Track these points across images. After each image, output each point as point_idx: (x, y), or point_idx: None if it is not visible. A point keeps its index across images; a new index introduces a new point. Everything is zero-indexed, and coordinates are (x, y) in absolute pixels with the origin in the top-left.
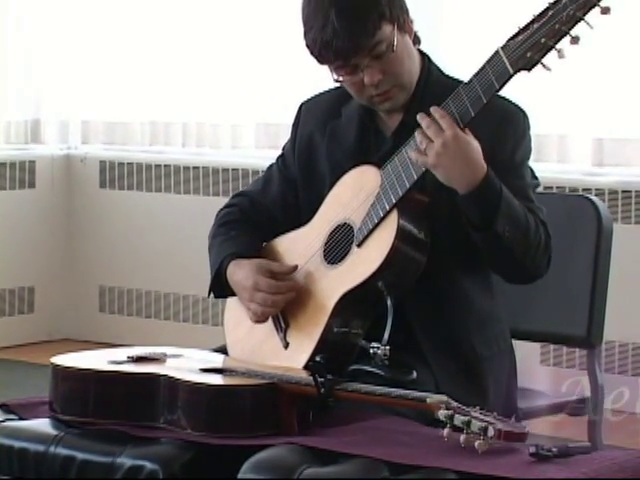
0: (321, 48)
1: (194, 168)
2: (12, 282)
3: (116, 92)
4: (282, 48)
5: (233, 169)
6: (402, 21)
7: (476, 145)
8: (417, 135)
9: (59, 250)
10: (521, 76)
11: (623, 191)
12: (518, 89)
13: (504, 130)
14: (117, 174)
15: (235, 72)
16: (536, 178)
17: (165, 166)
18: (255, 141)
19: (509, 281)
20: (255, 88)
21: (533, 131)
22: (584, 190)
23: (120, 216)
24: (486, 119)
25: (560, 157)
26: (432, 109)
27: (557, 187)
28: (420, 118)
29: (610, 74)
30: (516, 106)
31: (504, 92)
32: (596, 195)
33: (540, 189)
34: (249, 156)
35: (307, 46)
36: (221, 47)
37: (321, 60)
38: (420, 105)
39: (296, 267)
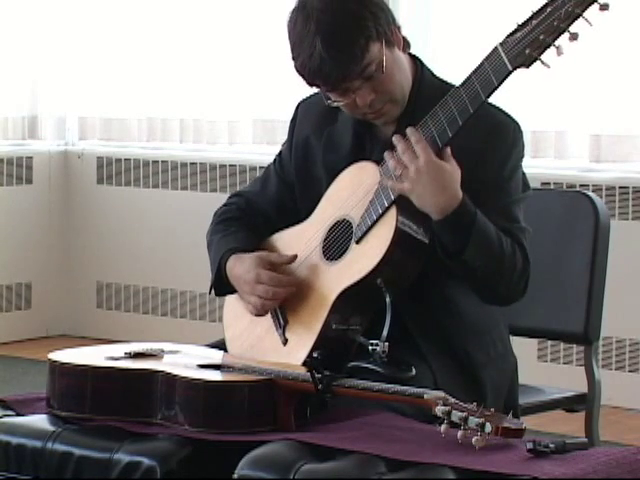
0: (310, 75)
1: (191, 164)
2: (9, 278)
3: (113, 88)
4: (279, 44)
5: (230, 165)
6: (390, 35)
7: (451, 171)
8: (389, 161)
9: (56, 246)
10: (519, 73)
11: (620, 187)
12: (516, 86)
13: (492, 142)
14: (114, 170)
15: (232, 68)
16: (528, 187)
17: (162, 162)
18: (252, 137)
19: (484, 302)
20: (252, 84)
21: (531, 127)
22: (582, 186)
23: (117, 212)
24: (476, 129)
25: (558, 153)
26: (408, 131)
27: (554, 183)
28: (396, 141)
29: (608, 70)
30: (508, 117)
31: (503, 90)
32: (593, 191)
33: (537, 185)
34: (246, 152)
35: (295, 69)
36: (218, 43)
37: (311, 85)
38: (413, 113)
39: (295, 256)
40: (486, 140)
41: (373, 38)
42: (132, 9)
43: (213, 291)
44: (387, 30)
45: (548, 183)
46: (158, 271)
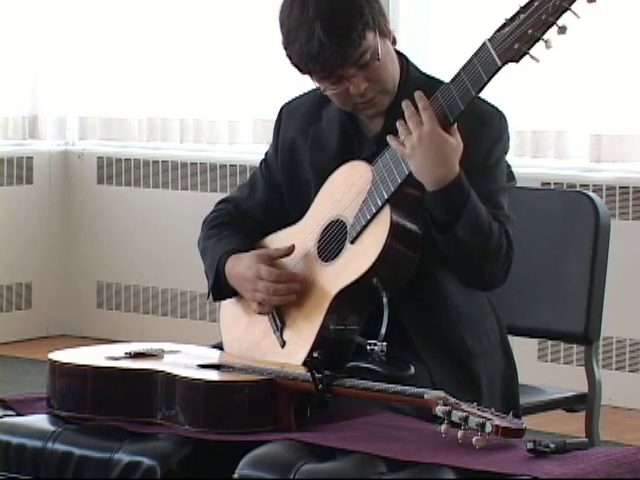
0: (307, 61)
1: (192, 164)
2: (9, 278)
3: (114, 88)
4: (279, 44)
5: (231, 165)
6: (382, 26)
7: (454, 145)
8: (398, 125)
9: (57, 246)
10: (520, 73)
11: (621, 187)
12: (516, 86)
13: (479, 132)
14: (115, 170)
15: (232, 68)
16: (513, 178)
17: (163, 162)
18: (253, 137)
19: (466, 285)
20: (252, 84)
21: (531, 127)
22: (582, 186)
23: (118, 212)
24: (462, 121)
25: (558, 153)
26: (416, 95)
27: (555, 183)
28: (405, 106)
29: (608, 70)
30: (493, 107)
31: (503, 89)
32: (594, 191)
33: (537, 185)
34: (247, 152)
35: (289, 57)
36: (218, 44)
37: (305, 72)
38: (401, 108)
39: (293, 247)
40: (473, 129)
41: (369, 26)
42: (132, 9)
43: (211, 296)
44: (380, 21)
45: (548, 183)
46: (158, 271)
